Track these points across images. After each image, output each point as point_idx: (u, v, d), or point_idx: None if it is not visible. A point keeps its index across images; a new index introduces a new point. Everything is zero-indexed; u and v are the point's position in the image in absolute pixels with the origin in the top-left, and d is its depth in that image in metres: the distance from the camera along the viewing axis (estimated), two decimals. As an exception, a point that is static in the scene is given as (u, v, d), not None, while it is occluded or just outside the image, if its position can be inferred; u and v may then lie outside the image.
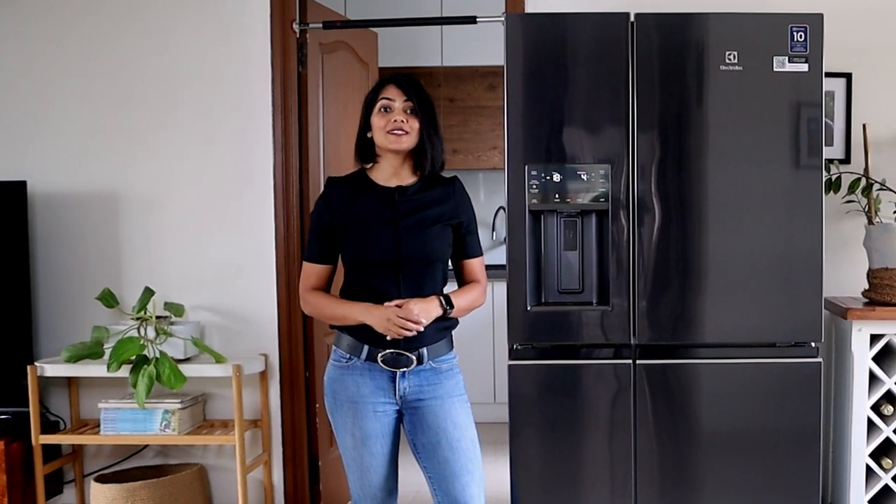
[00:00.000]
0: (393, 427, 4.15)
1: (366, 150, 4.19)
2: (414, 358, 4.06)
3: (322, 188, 4.29)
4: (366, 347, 4.05)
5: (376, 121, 4.08)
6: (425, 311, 3.98)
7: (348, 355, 4.09)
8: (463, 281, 4.33)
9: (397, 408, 4.13)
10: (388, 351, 4.03)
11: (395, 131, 4.03)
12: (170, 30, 6.02)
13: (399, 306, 3.95)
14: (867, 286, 5.46)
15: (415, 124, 4.06)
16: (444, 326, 4.16)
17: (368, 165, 4.22)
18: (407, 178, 4.18)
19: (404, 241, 4.05)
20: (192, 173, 6.03)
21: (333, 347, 4.18)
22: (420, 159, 4.13)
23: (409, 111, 4.06)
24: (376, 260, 4.04)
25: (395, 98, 4.06)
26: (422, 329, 3.97)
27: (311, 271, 4.19)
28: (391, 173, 4.16)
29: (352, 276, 4.12)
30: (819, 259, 4.74)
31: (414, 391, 4.10)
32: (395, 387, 4.08)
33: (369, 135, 4.14)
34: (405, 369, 4.06)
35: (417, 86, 4.14)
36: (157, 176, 6.05)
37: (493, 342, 8.88)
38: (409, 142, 4.07)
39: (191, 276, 6.04)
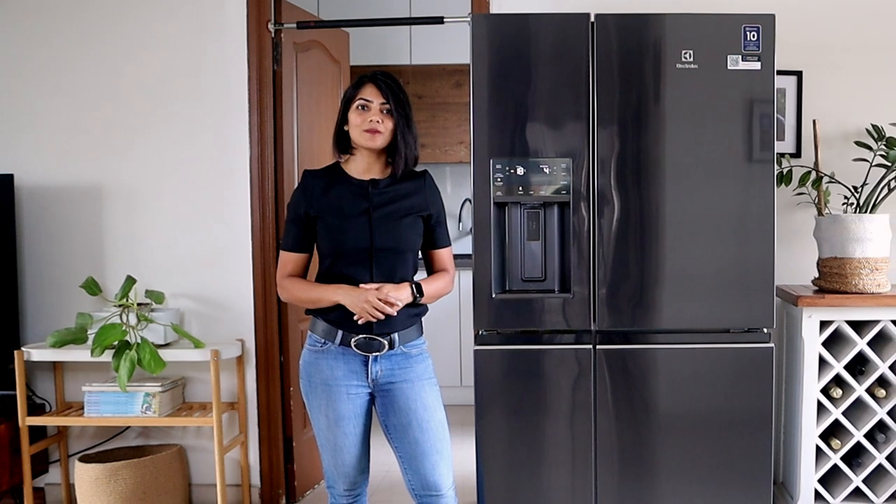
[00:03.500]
0: (365, 409, 4.17)
1: (343, 143, 4.20)
2: (386, 343, 4.08)
3: (296, 181, 4.28)
4: (340, 332, 4.07)
5: (353, 118, 4.11)
6: (396, 297, 3.98)
7: (323, 340, 4.10)
8: (432, 270, 4.37)
9: (369, 391, 4.15)
10: (361, 336, 4.04)
11: (370, 131, 4.06)
12: (151, 31, 6.01)
13: (377, 289, 3.97)
14: (817, 275, 5.49)
15: (389, 124, 4.09)
16: (414, 313, 4.19)
17: (344, 158, 4.23)
18: (380, 172, 4.20)
19: (377, 231, 4.07)
20: (171, 167, 6.03)
21: (309, 333, 4.19)
22: (394, 156, 4.15)
23: (384, 111, 4.08)
24: (351, 248, 4.06)
25: (372, 99, 4.08)
26: (394, 313, 4.00)
27: (288, 260, 4.19)
28: (365, 167, 4.18)
29: (327, 264, 4.13)
30: (771, 249, 4.75)
31: (386, 374, 4.12)
32: (367, 370, 4.10)
33: (346, 128, 4.15)
34: (377, 353, 4.08)
35: (395, 86, 4.15)
36: (138, 169, 6.05)
37: (459, 328, 8.91)
38: (382, 140, 4.10)
39: (171, 264, 6.05)
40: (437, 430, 4.16)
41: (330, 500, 4.29)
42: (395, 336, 4.11)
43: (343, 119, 4.17)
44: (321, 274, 4.16)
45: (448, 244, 4.37)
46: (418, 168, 4.28)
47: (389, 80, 4.13)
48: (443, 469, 4.17)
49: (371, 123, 4.04)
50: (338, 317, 4.05)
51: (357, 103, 4.09)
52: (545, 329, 4.83)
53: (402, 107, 4.11)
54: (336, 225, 4.05)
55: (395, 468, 4.31)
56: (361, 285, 4.00)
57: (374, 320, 3.99)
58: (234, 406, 6.06)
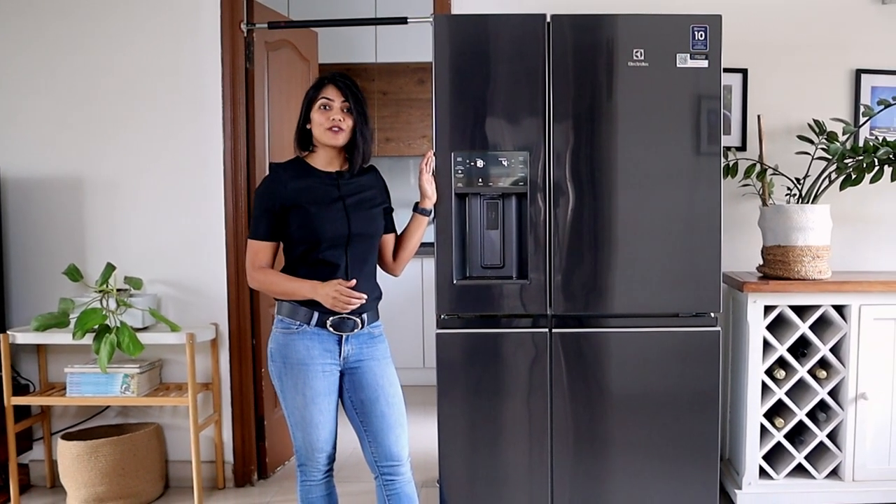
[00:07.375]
0: (336, 386, 4.20)
1: (304, 140, 4.25)
2: (359, 322, 4.15)
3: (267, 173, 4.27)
4: (316, 314, 4.10)
5: (316, 117, 4.16)
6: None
7: (298, 322, 4.11)
8: (384, 251, 4.47)
9: (340, 369, 4.18)
10: (336, 316, 4.09)
11: (333, 128, 4.11)
12: (131, 31, 6.00)
13: (352, 287, 4.05)
14: (762, 262, 5.52)
15: (349, 122, 4.15)
16: (375, 296, 4.27)
17: (305, 154, 4.28)
18: (339, 167, 4.26)
19: (353, 219, 4.13)
20: (150, 160, 6.03)
21: (279, 317, 4.20)
22: (352, 152, 4.22)
23: (345, 110, 4.15)
24: (329, 235, 4.08)
25: (334, 98, 4.14)
26: (364, 298, 4.06)
27: (260, 249, 4.15)
28: (327, 161, 4.24)
29: (302, 249, 4.12)
30: (718, 237, 4.74)
31: (355, 353, 4.18)
32: (340, 350, 4.14)
33: (308, 126, 4.20)
34: (350, 333, 4.13)
35: (354, 86, 4.21)
36: (118, 162, 6.04)
37: (422, 312, 8.88)
38: (344, 138, 4.16)
39: (148, 252, 6.05)
40: (400, 405, 4.28)
41: (300, 479, 4.27)
42: (365, 316, 4.19)
43: (306, 118, 4.21)
44: (295, 259, 4.16)
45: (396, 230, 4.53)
46: (382, 161, 4.30)
47: (348, 81, 4.20)
48: (404, 441, 4.27)
49: (333, 121, 4.10)
50: (314, 301, 4.07)
51: (319, 102, 4.14)
52: (503, 313, 4.82)
53: (360, 105, 4.18)
54: (314, 213, 4.06)
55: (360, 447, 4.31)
56: (330, 282, 4.03)
57: (352, 309, 4.03)
58: (208, 387, 6.06)
